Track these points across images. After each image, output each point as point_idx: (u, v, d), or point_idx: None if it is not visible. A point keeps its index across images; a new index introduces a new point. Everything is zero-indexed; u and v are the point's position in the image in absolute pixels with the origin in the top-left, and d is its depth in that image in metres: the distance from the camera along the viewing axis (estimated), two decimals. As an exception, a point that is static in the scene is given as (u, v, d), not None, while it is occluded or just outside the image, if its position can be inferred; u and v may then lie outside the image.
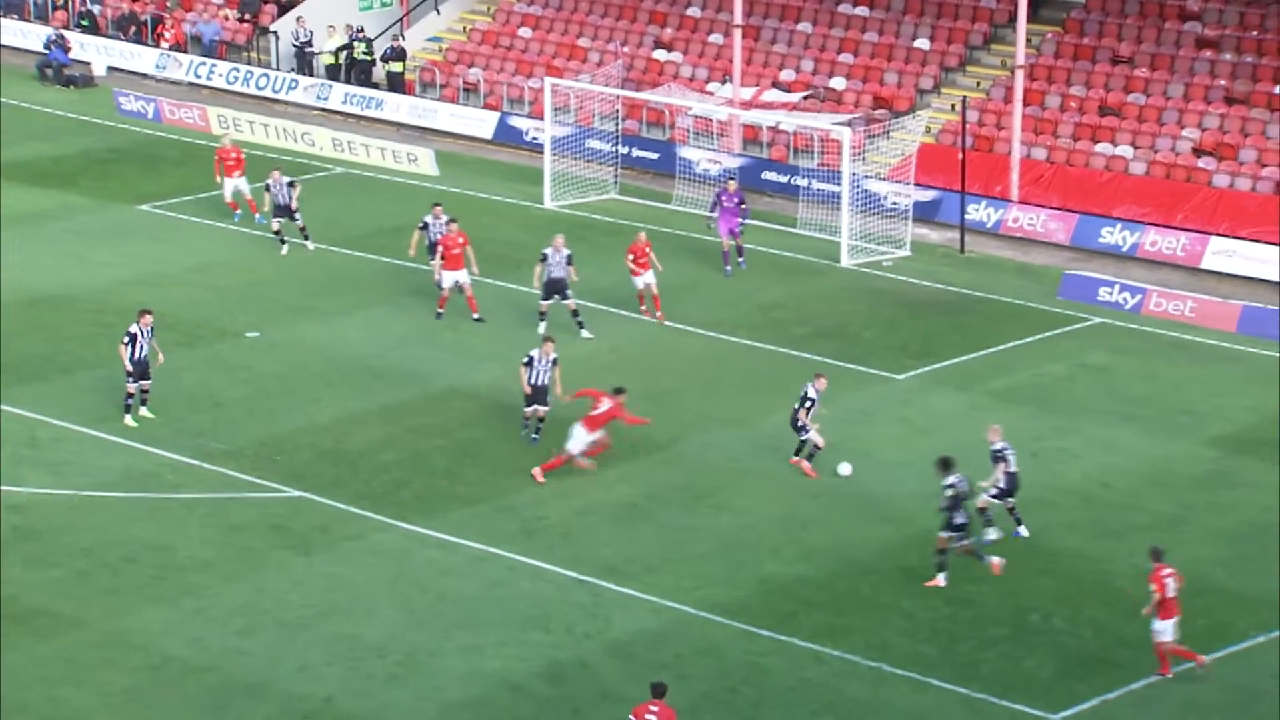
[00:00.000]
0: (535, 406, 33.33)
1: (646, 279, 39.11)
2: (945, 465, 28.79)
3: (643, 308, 39.34)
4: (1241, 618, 27.84)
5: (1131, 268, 43.09)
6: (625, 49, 54.07)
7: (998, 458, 29.81)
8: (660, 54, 53.64)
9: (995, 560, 28.64)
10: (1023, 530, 30.03)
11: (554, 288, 38.38)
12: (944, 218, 45.67)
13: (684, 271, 42.11)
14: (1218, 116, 45.73)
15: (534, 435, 33.37)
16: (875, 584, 28.73)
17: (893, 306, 40.98)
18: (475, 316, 39.28)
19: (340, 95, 56.04)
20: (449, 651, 27.15)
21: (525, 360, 33.28)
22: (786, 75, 51.38)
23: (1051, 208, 45.26)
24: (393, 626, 27.85)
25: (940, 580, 28.49)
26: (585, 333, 38.38)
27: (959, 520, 28.41)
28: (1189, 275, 42.67)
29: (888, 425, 34.59)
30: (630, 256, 39.05)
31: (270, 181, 43.26)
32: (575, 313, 38.48)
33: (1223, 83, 46.47)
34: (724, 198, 42.19)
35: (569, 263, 38.38)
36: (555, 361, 33.29)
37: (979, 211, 45.47)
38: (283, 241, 43.32)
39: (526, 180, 49.12)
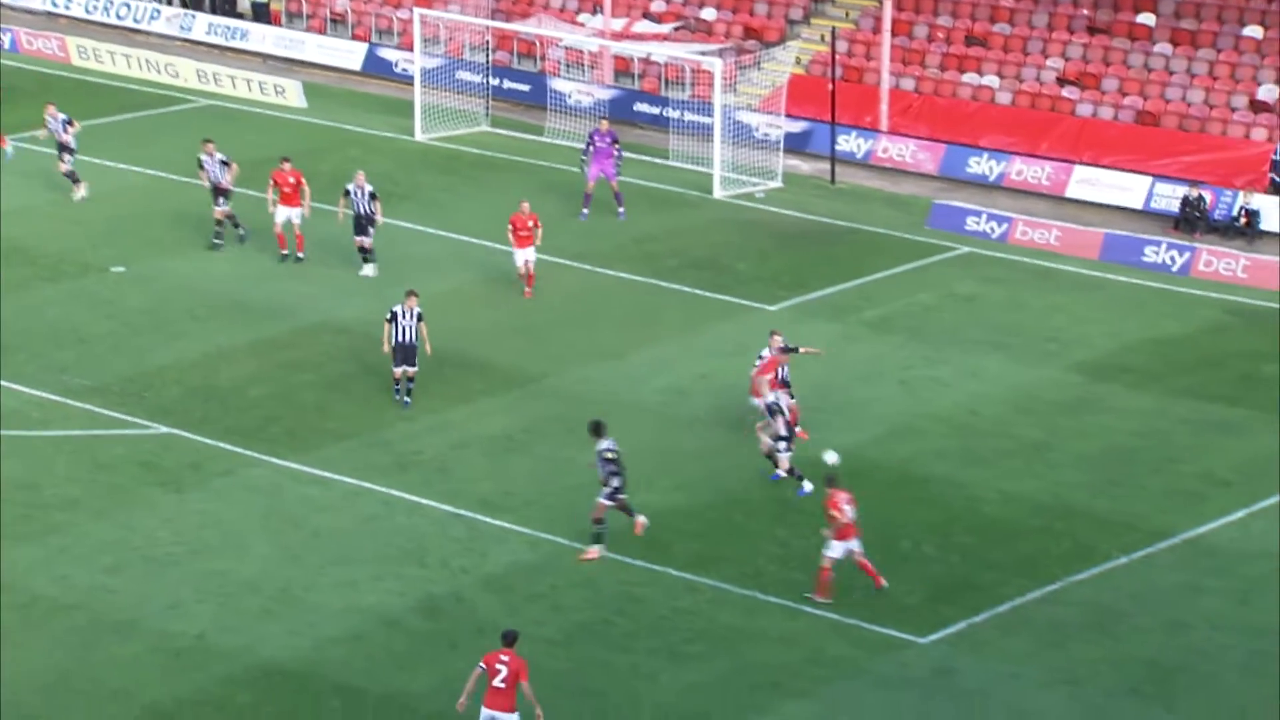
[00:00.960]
0: (404, 367, 32.26)
1: (526, 255, 36.95)
2: (597, 430, 27.79)
3: (528, 290, 37.35)
4: (1104, 539, 28.32)
5: (998, 197, 43.51)
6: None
7: (773, 410, 29.43)
8: (529, -16, 53.27)
9: (640, 520, 27.76)
10: (807, 486, 29.25)
11: (359, 225, 37.58)
12: (814, 149, 45.84)
13: (557, 204, 41.97)
14: (1080, 46, 46.20)
15: (405, 399, 32.41)
16: (748, 513, 28.92)
17: (765, 237, 41.12)
18: (299, 255, 38.52)
19: (204, 25, 55.21)
20: (323, 586, 27.00)
21: (388, 316, 32.29)
22: (657, 6, 51.23)
23: (920, 138, 45.56)
24: (265, 562, 27.65)
25: (595, 553, 27.63)
26: (368, 270, 37.59)
27: (616, 484, 27.50)
28: (1054, 204, 43.16)
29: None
30: (510, 228, 37.10)
31: (47, 116, 42.15)
32: (368, 249, 37.51)
33: (1085, 12, 46.91)
34: (596, 138, 41.69)
35: (373, 198, 37.47)
36: (420, 316, 32.07)
37: (849, 142, 45.69)
38: (76, 182, 42.22)
39: (396, 113, 48.68)
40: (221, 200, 38.99)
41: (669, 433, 31.80)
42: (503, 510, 29.09)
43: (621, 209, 41.62)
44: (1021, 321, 36.56)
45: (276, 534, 28.48)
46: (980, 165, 44.61)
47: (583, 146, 42.31)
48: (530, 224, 36.95)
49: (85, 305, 36.86)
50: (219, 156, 39.10)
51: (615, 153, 41.50)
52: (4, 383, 33.35)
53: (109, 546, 28.02)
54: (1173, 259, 39.37)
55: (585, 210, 41.54)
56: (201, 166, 39.28)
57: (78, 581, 27.08)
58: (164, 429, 31.79)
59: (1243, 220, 41.04)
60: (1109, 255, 39.79)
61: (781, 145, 44.82)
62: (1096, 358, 34.90)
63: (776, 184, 44.18)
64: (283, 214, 38.38)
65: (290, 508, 29.29)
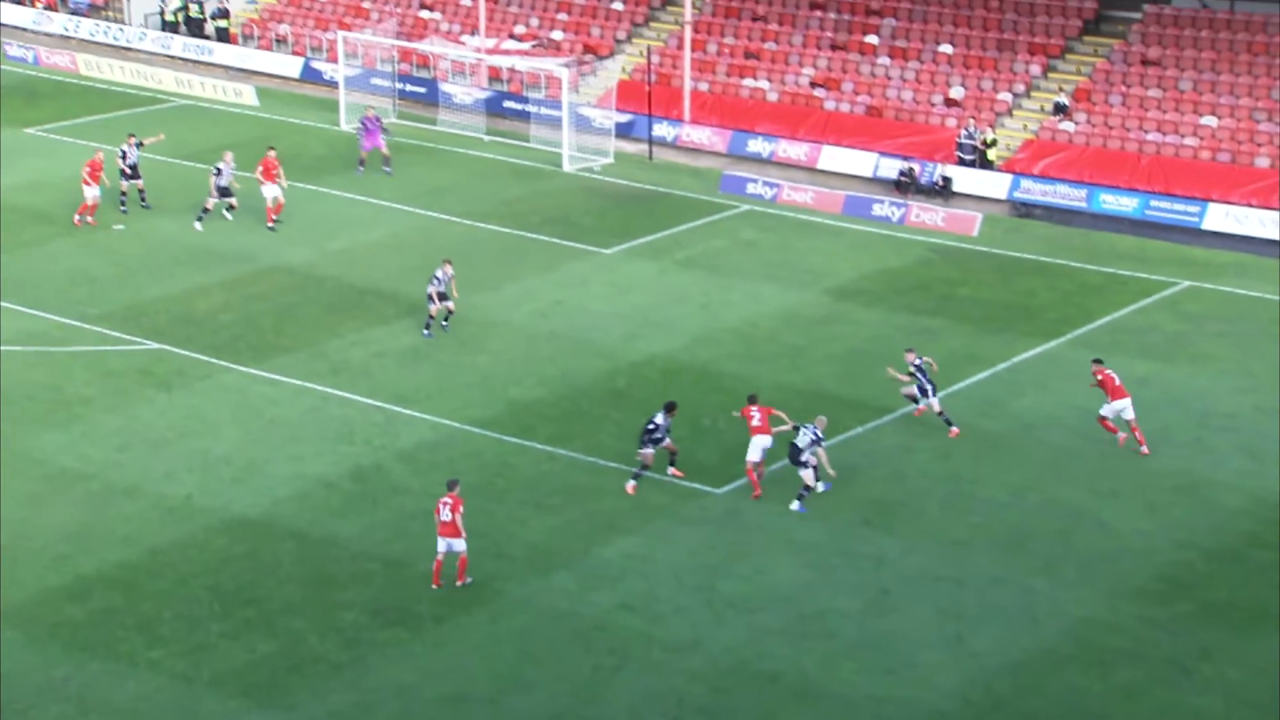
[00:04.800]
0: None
1: (273, 191, 36.24)
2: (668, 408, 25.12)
3: (270, 221, 36.45)
4: (846, 415, 28.66)
5: (769, 169, 43.62)
6: (399, 9, 52.54)
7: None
8: (425, 13, 52.25)
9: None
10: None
11: (223, 193, 36.42)
12: (637, 134, 45.58)
13: (444, 176, 41.47)
14: (826, 59, 46.30)
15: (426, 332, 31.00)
16: (592, 402, 28.90)
17: (601, 200, 40.91)
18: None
19: (180, 45, 53.50)
20: (278, 460, 26.67)
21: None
22: (519, 29, 50.52)
23: (713, 126, 45.46)
24: (235, 443, 27.23)
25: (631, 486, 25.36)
26: (211, 210, 36.41)
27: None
28: (809, 174, 43.36)
29: (599, 287, 34.70)
30: (259, 169, 36.38)
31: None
32: (213, 209, 36.48)
33: (829, 34, 47.01)
34: (367, 122, 41.20)
35: (140, 145, 36.65)
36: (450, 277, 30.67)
37: (662, 129, 45.48)
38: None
39: (326, 109, 47.59)
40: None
41: (532, 344, 31.65)
42: (411, 402, 28.82)
43: (389, 168, 41.07)
44: (787, 259, 36.78)
45: (242, 422, 28.02)
46: (757, 146, 44.66)
47: (358, 127, 41.69)
48: (274, 165, 36.04)
49: (94, 254, 35.79)
50: (135, 141, 37.52)
51: (384, 130, 41.30)
52: (33, 311, 32.35)
53: (117, 432, 27.46)
54: (893, 213, 39.79)
55: (361, 169, 41.11)
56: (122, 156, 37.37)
57: (94, 458, 26.52)
58: (156, 345, 31.05)
59: (940, 185, 41.58)
60: (849, 210, 40.12)
61: (613, 132, 44.51)
62: (840, 284, 35.23)
63: (609, 160, 43.91)
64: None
65: (252, 403, 28.81)
